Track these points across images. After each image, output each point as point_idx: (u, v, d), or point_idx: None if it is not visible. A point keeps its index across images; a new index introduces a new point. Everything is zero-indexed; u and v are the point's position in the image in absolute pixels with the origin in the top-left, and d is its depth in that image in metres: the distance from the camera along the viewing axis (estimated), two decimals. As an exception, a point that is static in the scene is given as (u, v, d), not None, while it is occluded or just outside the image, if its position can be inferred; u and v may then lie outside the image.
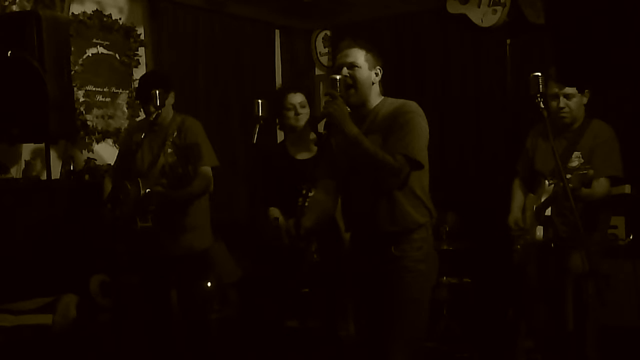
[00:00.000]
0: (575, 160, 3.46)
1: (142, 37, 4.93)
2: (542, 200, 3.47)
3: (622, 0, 2.00)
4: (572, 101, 3.51)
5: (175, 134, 3.55)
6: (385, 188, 2.69)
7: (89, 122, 4.56)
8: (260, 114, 3.18)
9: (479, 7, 5.03)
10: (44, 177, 4.10)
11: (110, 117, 4.71)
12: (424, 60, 5.51)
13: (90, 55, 4.60)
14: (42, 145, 3.65)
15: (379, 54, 2.81)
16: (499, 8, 4.93)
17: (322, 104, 3.08)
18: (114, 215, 3.31)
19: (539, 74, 2.92)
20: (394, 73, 5.40)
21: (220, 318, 4.43)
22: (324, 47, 6.17)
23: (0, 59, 2.81)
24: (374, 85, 2.79)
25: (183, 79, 4.99)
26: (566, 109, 3.52)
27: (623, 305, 4.01)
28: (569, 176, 3.08)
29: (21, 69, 2.80)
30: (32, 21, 2.80)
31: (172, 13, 5.10)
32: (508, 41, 4.93)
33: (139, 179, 3.45)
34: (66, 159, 4.35)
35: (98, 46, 4.65)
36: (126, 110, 4.82)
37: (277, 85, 6.10)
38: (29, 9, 4.01)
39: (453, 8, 5.17)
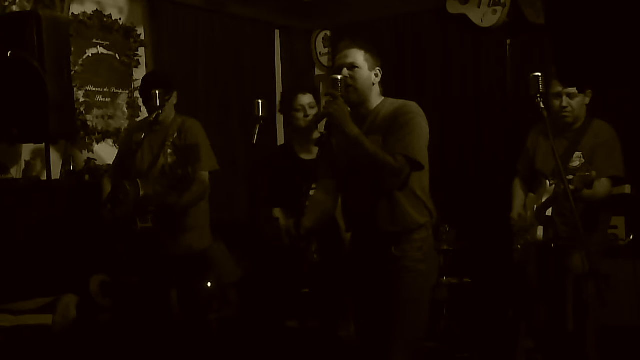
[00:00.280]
0: (577, 160, 3.46)
1: (142, 37, 4.92)
2: (543, 200, 3.47)
3: (622, 0, 2.00)
4: (574, 100, 3.51)
5: (176, 134, 3.55)
6: (386, 188, 2.68)
7: (89, 122, 4.56)
8: (260, 114, 3.18)
9: (479, 7, 5.03)
10: (44, 177, 4.10)
11: (110, 117, 4.71)
12: (424, 60, 5.51)
13: (90, 55, 4.59)
14: (42, 145, 3.64)
15: (378, 54, 2.81)
16: (499, 8, 4.94)
17: (323, 104, 3.08)
18: (113, 216, 3.30)
19: (539, 74, 2.93)
20: (394, 73, 5.40)
21: (220, 318, 4.43)
22: (324, 47, 6.17)
23: (0, 59, 2.81)
24: (374, 85, 2.79)
25: (183, 79, 4.99)
26: (569, 108, 3.52)
27: (623, 305, 4.01)
28: (570, 177, 3.08)
29: (21, 69, 2.80)
30: (32, 21, 2.81)
31: (172, 13, 5.10)
32: (508, 41, 4.93)
33: (137, 179, 3.44)
34: (66, 159, 4.35)
35: (98, 46, 4.64)
36: (126, 111, 4.82)
37: (277, 85, 6.11)
38: (29, 9, 4.01)
39: (453, 8, 5.17)
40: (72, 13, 4.43)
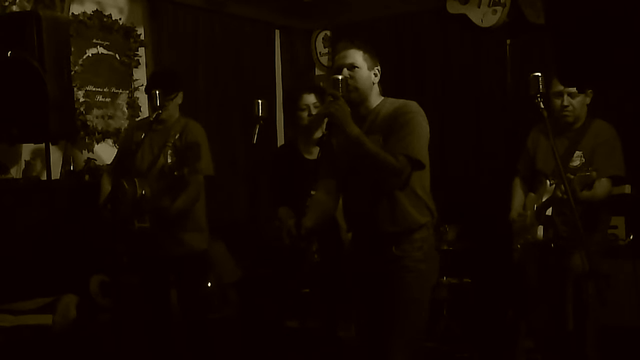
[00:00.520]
0: (577, 159, 3.46)
1: (142, 37, 4.93)
2: (543, 200, 3.47)
3: (622, 0, 2.00)
4: (576, 100, 3.51)
5: (178, 135, 3.54)
6: (387, 188, 2.69)
7: (89, 122, 4.56)
8: (260, 114, 3.17)
9: (479, 7, 5.03)
10: (44, 177, 4.10)
11: (110, 117, 4.71)
12: (424, 60, 5.51)
13: (90, 55, 4.60)
14: (42, 145, 3.63)
15: (376, 53, 2.81)
16: (499, 8, 4.94)
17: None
18: (113, 216, 3.30)
19: (539, 74, 2.92)
20: (394, 73, 5.41)
21: (220, 318, 4.43)
22: (324, 47, 6.17)
23: (0, 59, 2.81)
24: (374, 85, 2.79)
25: (183, 79, 4.98)
26: (570, 108, 3.52)
27: (623, 305, 4.01)
28: (571, 176, 3.08)
29: (21, 69, 2.80)
30: (32, 21, 2.80)
31: (172, 13, 5.10)
32: (508, 41, 4.93)
33: (135, 179, 3.43)
34: (66, 159, 4.35)
35: (98, 46, 4.65)
36: (126, 110, 4.82)
37: (277, 85, 6.11)
38: (29, 9, 4.01)
39: (453, 8, 5.17)
40: (72, 13, 4.43)
